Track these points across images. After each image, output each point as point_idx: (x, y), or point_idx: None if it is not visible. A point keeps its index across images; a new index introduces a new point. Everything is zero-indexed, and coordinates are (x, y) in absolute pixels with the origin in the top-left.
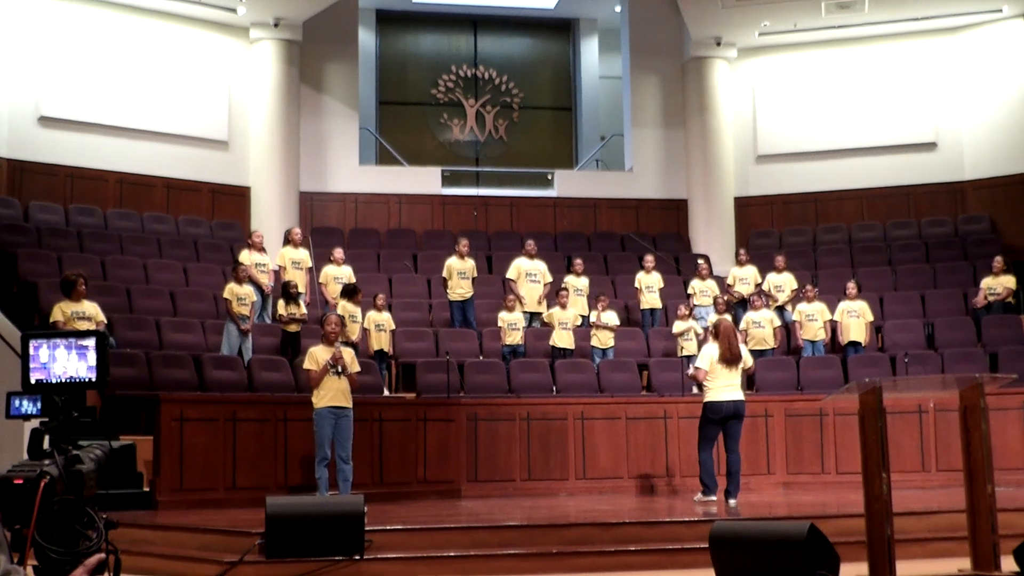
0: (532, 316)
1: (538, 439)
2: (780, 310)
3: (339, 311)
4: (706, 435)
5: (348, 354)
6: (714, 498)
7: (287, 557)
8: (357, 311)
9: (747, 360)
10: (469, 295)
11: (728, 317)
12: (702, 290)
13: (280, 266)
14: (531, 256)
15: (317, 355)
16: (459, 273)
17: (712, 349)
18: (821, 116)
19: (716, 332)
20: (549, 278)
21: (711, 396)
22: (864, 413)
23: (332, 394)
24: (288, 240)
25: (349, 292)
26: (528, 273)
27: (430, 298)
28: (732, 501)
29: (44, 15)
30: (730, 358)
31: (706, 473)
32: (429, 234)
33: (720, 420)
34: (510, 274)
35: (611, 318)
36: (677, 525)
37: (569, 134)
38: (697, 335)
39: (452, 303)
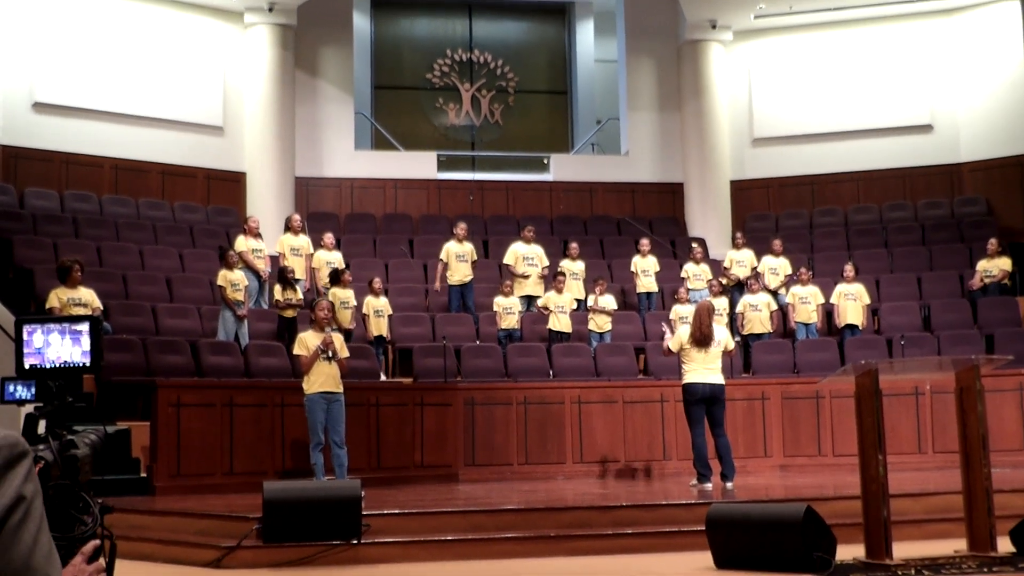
0: (530, 300)
1: (535, 423)
2: (774, 293)
3: (330, 297)
4: (691, 416)
5: (337, 339)
6: (709, 486)
7: (285, 542)
8: (349, 296)
9: (728, 343)
10: (469, 279)
11: (711, 299)
12: (696, 274)
13: (279, 252)
14: (528, 241)
15: (307, 341)
16: (457, 256)
17: (685, 330)
18: (817, 99)
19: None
20: (546, 262)
21: (687, 378)
22: (860, 395)
23: (323, 379)
24: (288, 227)
25: (334, 277)
26: (526, 257)
27: (426, 283)
28: (729, 484)
29: (38, 1)
30: (700, 338)
31: (700, 460)
32: (425, 219)
33: (699, 401)
34: (507, 259)
35: (609, 302)
36: (674, 508)
37: (565, 118)
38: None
39: (451, 287)
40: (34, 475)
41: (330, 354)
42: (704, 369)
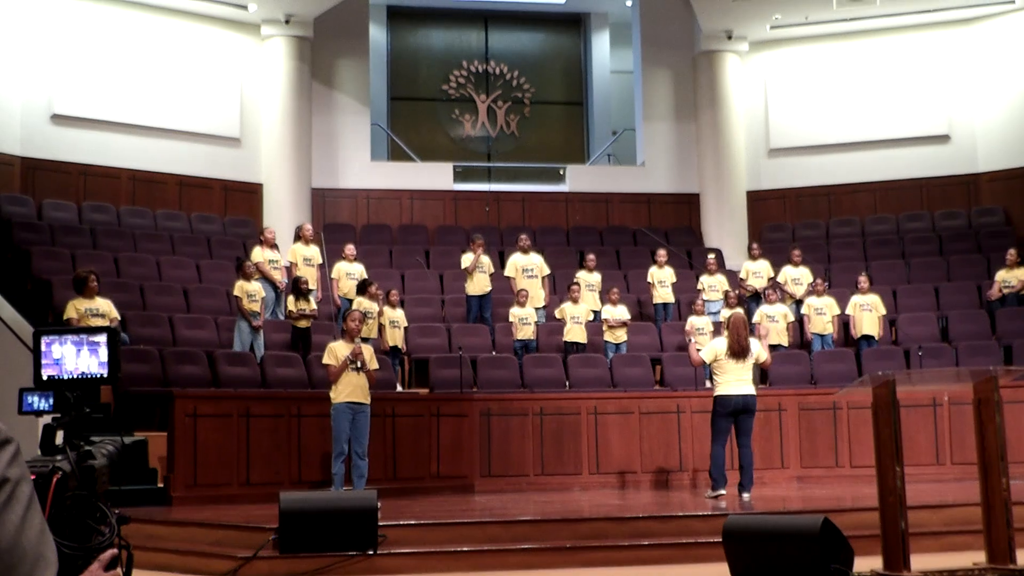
0: (537, 310)
1: (551, 434)
2: (798, 304)
3: (354, 307)
4: (717, 428)
5: (367, 350)
6: (723, 492)
7: (301, 552)
8: (373, 307)
9: (761, 355)
10: (488, 290)
11: (740, 311)
12: (711, 285)
13: (291, 262)
14: (525, 251)
15: (336, 350)
16: (477, 268)
17: (720, 342)
18: (833, 109)
19: (727, 325)
20: (546, 270)
21: (720, 390)
22: (878, 406)
23: (351, 389)
24: (299, 236)
25: (361, 288)
26: (524, 269)
27: (442, 294)
28: (746, 495)
29: (56, 13)
30: (738, 350)
31: (716, 468)
32: (441, 230)
33: (729, 414)
34: (508, 272)
35: (621, 313)
36: (691, 519)
37: (580, 129)
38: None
39: (469, 297)
40: (20, 461)
41: (359, 364)
42: (736, 381)
